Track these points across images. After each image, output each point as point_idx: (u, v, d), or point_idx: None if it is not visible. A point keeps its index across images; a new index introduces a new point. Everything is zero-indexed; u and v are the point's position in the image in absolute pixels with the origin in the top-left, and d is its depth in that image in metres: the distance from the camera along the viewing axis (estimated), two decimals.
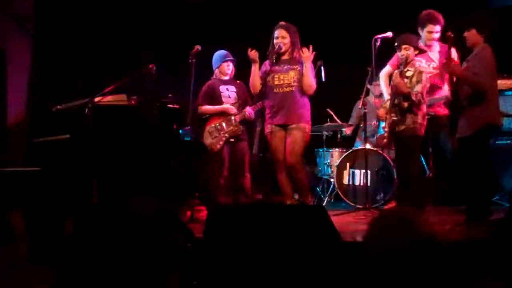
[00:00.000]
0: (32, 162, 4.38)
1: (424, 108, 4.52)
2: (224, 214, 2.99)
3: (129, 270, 1.19)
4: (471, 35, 4.19)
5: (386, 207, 5.19)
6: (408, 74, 4.50)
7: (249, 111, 4.95)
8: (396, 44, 4.61)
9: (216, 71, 5.22)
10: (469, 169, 4.22)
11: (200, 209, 4.80)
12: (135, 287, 1.18)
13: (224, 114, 5.10)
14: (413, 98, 4.37)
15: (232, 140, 5.06)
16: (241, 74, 5.33)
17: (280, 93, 4.78)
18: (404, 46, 4.51)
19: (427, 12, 4.98)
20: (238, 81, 5.25)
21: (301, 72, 4.72)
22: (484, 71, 4.09)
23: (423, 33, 4.98)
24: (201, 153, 5.17)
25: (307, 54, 4.69)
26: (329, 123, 5.91)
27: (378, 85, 5.61)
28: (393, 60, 5.10)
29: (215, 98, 5.16)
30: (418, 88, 4.40)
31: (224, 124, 5.06)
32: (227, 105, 5.10)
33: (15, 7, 5.64)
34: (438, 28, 4.93)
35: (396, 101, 4.53)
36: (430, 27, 4.94)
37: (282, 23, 4.83)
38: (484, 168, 4.16)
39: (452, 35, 4.40)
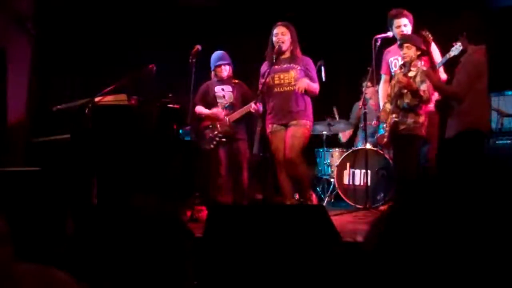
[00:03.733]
0: (32, 162, 4.38)
1: (428, 108, 4.53)
2: (224, 214, 2.99)
3: (129, 271, 1.19)
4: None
5: (381, 208, 5.18)
6: (411, 74, 4.50)
7: (253, 107, 4.90)
8: (398, 43, 4.64)
9: (212, 73, 5.24)
10: (448, 171, 4.19)
11: (200, 209, 4.80)
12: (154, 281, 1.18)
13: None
14: (421, 93, 4.36)
15: (224, 140, 5.05)
16: (242, 73, 5.34)
17: (281, 93, 4.77)
18: (406, 45, 4.52)
19: (390, 11, 5.02)
20: (236, 81, 5.23)
21: (302, 71, 4.72)
22: (466, 78, 4.05)
23: (394, 31, 5.00)
24: (201, 153, 5.18)
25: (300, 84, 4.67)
26: (329, 121, 5.89)
27: (369, 87, 5.59)
28: (384, 67, 5.15)
29: (210, 98, 5.18)
30: (423, 87, 4.40)
31: (218, 125, 5.06)
32: (216, 110, 5.10)
33: (15, 6, 5.63)
34: (404, 20, 4.94)
35: (398, 102, 4.53)
36: (396, 22, 4.96)
37: (280, 22, 4.84)
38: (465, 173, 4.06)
39: (427, 33, 4.42)
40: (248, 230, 2.77)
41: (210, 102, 5.18)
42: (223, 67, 5.16)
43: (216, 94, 5.17)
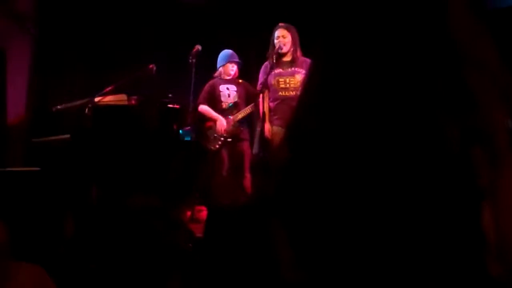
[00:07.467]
0: (32, 162, 4.38)
1: None
2: (224, 214, 2.99)
3: (131, 271, 1.19)
4: None
5: None
6: None
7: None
8: None
9: (220, 69, 5.21)
10: None
11: (200, 209, 4.79)
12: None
13: (222, 114, 5.10)
14: None
15: (230, 140, 5.05)
16: (242, 73, 5.33)
17: (285, 96, 4.74)
18: None
19: None
20: (241, 81, 5.24)
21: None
22: None
23: None
24: (201, 153, 5.17)
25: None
26: None
27: None
28: None
29: (215, 97, 5.17)
30: None
31: (220, 126, 5.06)
32: (220, 119, 5.08)
33: (15, 6, 5.63)
34: None
35: None
36: None
37: (282, 23, 4.82)
38: None
39: None
40: (248, 230, 2.77)
41: (214, 100, 5.17)
42: (235, 65, 5.17)
43: (221, 92, 5.16)
